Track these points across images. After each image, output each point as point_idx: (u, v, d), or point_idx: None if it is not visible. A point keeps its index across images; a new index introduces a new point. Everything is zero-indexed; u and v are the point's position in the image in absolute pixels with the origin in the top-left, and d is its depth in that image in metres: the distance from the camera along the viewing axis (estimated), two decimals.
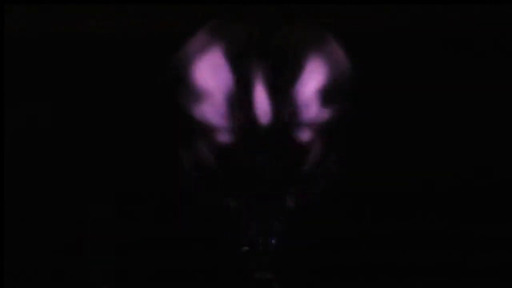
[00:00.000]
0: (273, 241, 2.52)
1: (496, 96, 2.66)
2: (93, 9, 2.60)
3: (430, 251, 2.52)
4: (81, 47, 2.63)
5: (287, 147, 1.56)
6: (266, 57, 1.50)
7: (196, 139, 1.53)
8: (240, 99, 1.46)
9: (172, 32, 2.65)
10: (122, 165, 2.64)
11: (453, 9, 2.60)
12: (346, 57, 1.67)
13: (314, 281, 2.51)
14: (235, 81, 1.45)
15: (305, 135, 1.55)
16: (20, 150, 2.61)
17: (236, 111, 1.49)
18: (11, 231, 2.52)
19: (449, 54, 2.69)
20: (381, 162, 2.65)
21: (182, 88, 1.50)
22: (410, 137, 2.67)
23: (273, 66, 1.51)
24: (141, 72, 2.60)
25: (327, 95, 1.53)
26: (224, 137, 1.53)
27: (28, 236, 2.55)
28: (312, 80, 1.51)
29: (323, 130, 1.55)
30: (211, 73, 1.49)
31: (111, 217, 2.60)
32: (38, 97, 2.65)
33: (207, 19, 2.62)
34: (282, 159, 1.57)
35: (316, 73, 1.52)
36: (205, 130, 1.53)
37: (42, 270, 2.52)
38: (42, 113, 2.65)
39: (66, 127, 2.64)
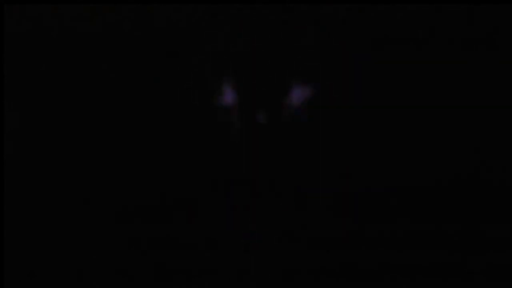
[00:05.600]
0: (274, 239, 2.55)
1: (495, 98, 2.66)
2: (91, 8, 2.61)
3: (429, 251, 2.52)
4: (81, 47, 2.63)
5: None
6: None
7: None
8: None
9: (172, 32, 2.65)
10: (122, 165, 2.64)
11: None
12: None
13: (313, 281, 2.52)
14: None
15: None
16: (20, 149, 2.61)
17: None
18: (11, 231, 2.53)
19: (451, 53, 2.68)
20: (381, 163, 2.65)
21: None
22: (410, 139, 2.67)
23: None
24: (142, 71, 2.60)
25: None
26: None
27: (28, 236, 2.55)
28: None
29: None
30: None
31: (111, 218, 2.60)
32: (38, 96, 2.65)
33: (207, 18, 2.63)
34: None
35: None
36: None
37: (41, 270, 2.52)
38: (42, 113, 2.66)
39: (66, 126, 2.64)
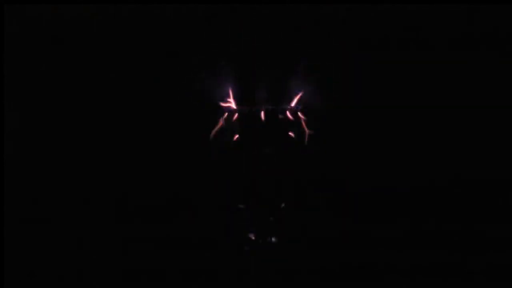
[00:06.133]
0: (273, 240, 2.54)
1: (495, 98, 2.66)
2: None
3: (429, 251, 2.52)
4: (81, 47, 2.63)
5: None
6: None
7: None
8: None
9: (172, 32, 2.65)
10: (122, 165, 2.64)
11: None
12: None
13: (314, 281, 2.52)
14: None
15: None
16: (20, 149, 2.61)
17: None
18: (11, 231, 2.53)
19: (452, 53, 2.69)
20: (382, 163, 2.65)
21: None
22: (410, 139, 2.67)
23: None
24: (142, 71, 2.60)
25: None
26: None
27: (28, 236, 2.55)
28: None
29: None
30: None
31: (111, 218, 2.60)
32: (38, 96, 2.65)
33: (207, 18, 2.62)
34: None
35: None
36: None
37: (42, 270, 2.52)
38: (42, 113, 2.66)
39: (66, 126, 2.64)
